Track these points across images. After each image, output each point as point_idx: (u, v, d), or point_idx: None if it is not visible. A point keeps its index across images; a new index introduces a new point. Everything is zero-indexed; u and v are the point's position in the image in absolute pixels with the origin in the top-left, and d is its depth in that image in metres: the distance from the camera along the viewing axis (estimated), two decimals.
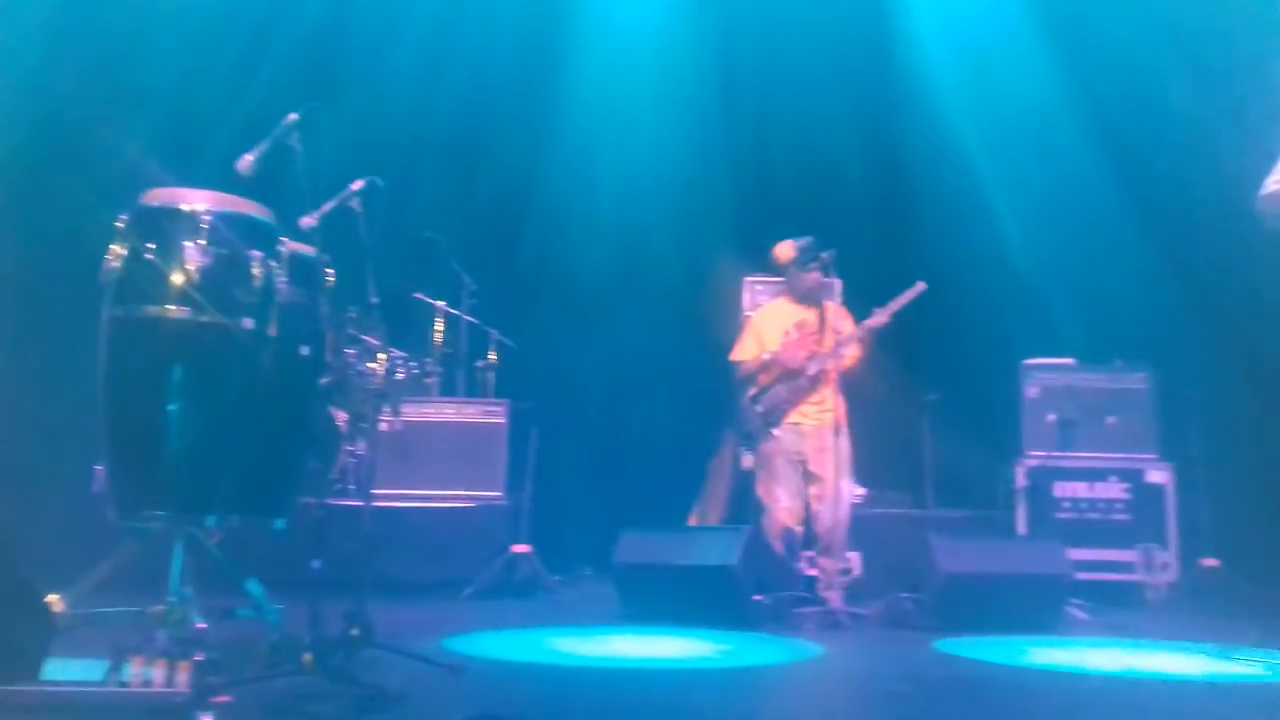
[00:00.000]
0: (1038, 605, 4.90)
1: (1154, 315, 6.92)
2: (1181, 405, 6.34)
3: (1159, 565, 6.19)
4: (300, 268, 3.50)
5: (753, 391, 5.49)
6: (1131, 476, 6.35)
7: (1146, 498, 6.31)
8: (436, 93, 7.63)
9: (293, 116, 3.50)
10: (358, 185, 3.64)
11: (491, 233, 7.69)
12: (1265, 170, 3.25)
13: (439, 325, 6.80)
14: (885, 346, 5.57)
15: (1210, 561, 6.03)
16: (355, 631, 3.23)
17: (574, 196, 7.75)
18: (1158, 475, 6.32)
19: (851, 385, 5.47)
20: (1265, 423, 6.22)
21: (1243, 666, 3.79)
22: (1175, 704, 3.32)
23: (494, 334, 6.97)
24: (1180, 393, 6.37)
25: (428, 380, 6.57)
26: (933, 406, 5.85)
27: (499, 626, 4.60)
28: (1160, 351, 6.65)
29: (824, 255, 5.31)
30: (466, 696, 3.15)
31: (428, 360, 6.62)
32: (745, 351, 5.58)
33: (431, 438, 6.12)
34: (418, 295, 6.74)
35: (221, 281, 3.27)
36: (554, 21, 7.80)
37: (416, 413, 6.13)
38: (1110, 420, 6.49)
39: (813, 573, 5.50)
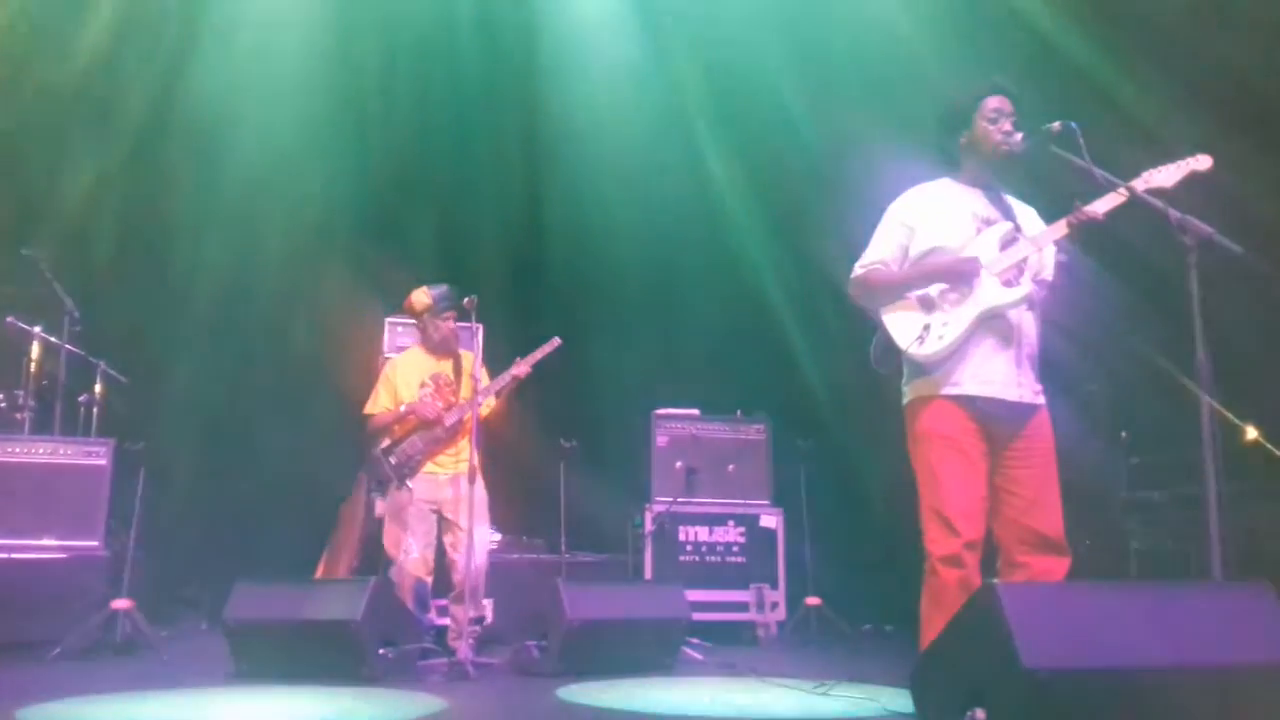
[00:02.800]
0: (658, 648, 5.10)
1: (770, 371, 7.52)
2: (791, 454, 6.87)
3: (769, 604, 6.65)
4: None
5: (386, 443, 5.34)
6: (747, 521, 6.80)
7: (760, 541, 6.77)
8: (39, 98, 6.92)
9: None
10: None
11: (105, 255, 7.01)
12: (863, 244, 3.61)
13: (34, 354, 6.07)
14: (524, 396, 5.63)
15: (813, 600, 6.54)
16: None
17: (202, 223, 7.21)
18: (770, 520, 6.81)
19: (491, 434, 5.47)
20: (859, 472, 6.89)
21: (835, 701, 4.11)
22: None
23: (101, 366, 6.31)
24: (790, 443, 6.92)
25: (18, 415, 5.86)
26: (569, 454, 5.96)
27: (90, 692, 4.13)
28: (774, 404, 7.21)
29: (467, 301, 5.27)
30: None
31: (19, 393, 5.91)
32: (378, 404, 5.44)
33: (18, 480, 5.48)
34: (9, 320, 6.00)
35: None
36: (180, 54, 7.31)
37: (2, 451, 5.48)
38: (730, 468, 6.94)
39: (444, 622, 5.41)
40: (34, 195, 6.83)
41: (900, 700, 3.65)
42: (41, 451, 5.62)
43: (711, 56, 7.71)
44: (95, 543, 5.53)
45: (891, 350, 3.42)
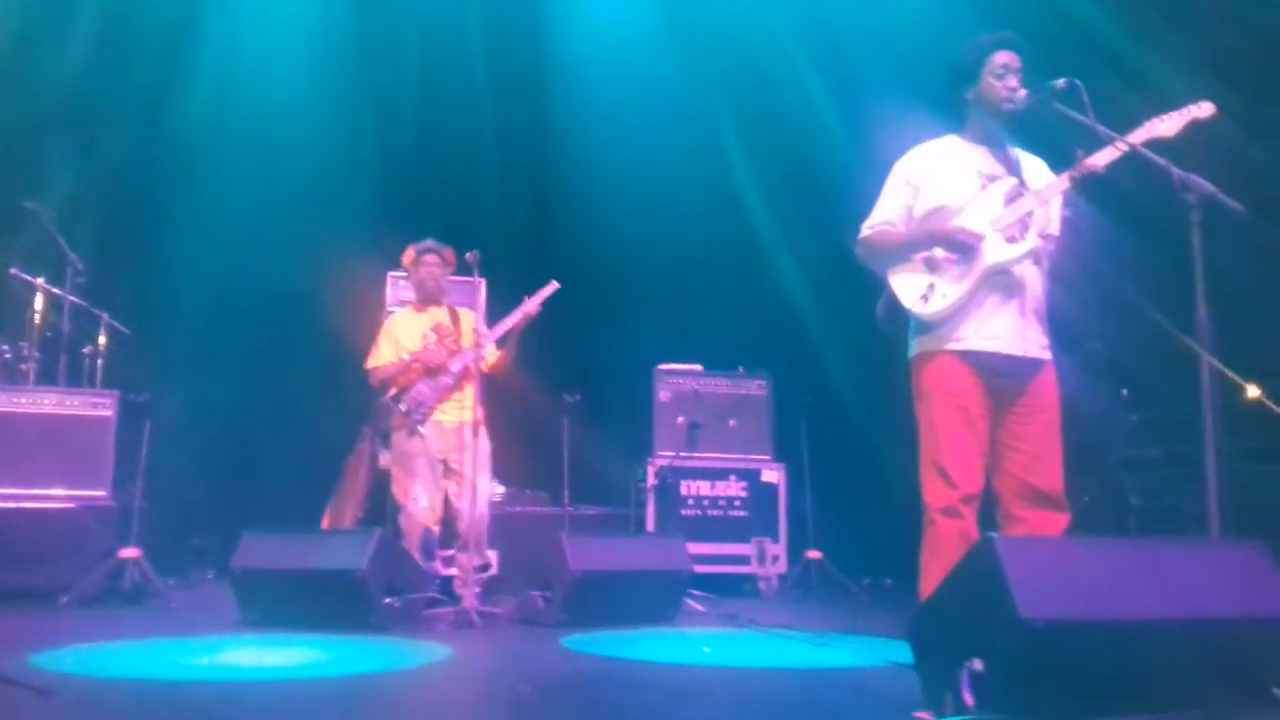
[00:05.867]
0: (660, 599, 5.16)
1: (771, 326, 7.54)
2: (792, 410, 6.92)
3: (770, 558, 6.72)
4: None
5: (393, 391, 5.39)
6: (749, 475, 6.86)
7: (762, 495, 6.84)
8: (46, 52, 6.88)
9: None
10: None
11: (107, 208, 7.00)
12: (868, 205, 3.61)
13: (39, 306, 6.08)
14: (528, 348, 5.65)
15: (814, 553, 6.60)
16: None
17: (203, 176, 7.20)
18: (771, 475, 6.87)
19: (496, 386, 5.51)
20: (860, 427, 6.93)
21: (835, 652, 4.17)
22: (770, 691, 3.58)
23: (104, 318, 6.32)
24: (792, 398, 6.96)
25: (23, 367, 5.88)
26: (572, 408, 5.99)
27: (99, 639, 4.20)
28: (775, 360, 7.24)
29: (469, 255, 5.29)
30: None
31: (23, 345, 5.93)
32: (381, 357, 5.49)
33: (26, 430, 5.54)
34: (14, 271, 6.00)
35: None
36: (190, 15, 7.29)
37: (9, 402, 5.54)
38: (732, 423, 6.98)
39: (450, 571, 5.49)
40: (37, 148, 6.80)
41: (899, 651, 3.71)
42: (47, 402, 5.66)
43: (715, 12, 7.66)
44: (102, 492, 5.59)
45: (897, 309, 3.44)
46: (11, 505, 5.36)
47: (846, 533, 6.72)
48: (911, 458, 3.42)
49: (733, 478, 6.84)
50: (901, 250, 3.46)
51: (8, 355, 5.76)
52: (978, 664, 2.52)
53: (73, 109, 7.02)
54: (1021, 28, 3.53)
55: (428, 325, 5.55)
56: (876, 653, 4.01)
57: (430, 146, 7.78)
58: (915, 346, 3.44)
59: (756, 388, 7.13)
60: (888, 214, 3.52)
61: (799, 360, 7.35)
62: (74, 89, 7.01)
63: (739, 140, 7.82)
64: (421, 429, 5.32)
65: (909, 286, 3.41)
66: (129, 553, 5.38)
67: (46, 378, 6.08)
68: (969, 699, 2.52)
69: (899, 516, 4.14)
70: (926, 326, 3.38)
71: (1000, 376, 3.32)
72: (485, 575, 5.43)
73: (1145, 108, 3.29)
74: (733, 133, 7.85)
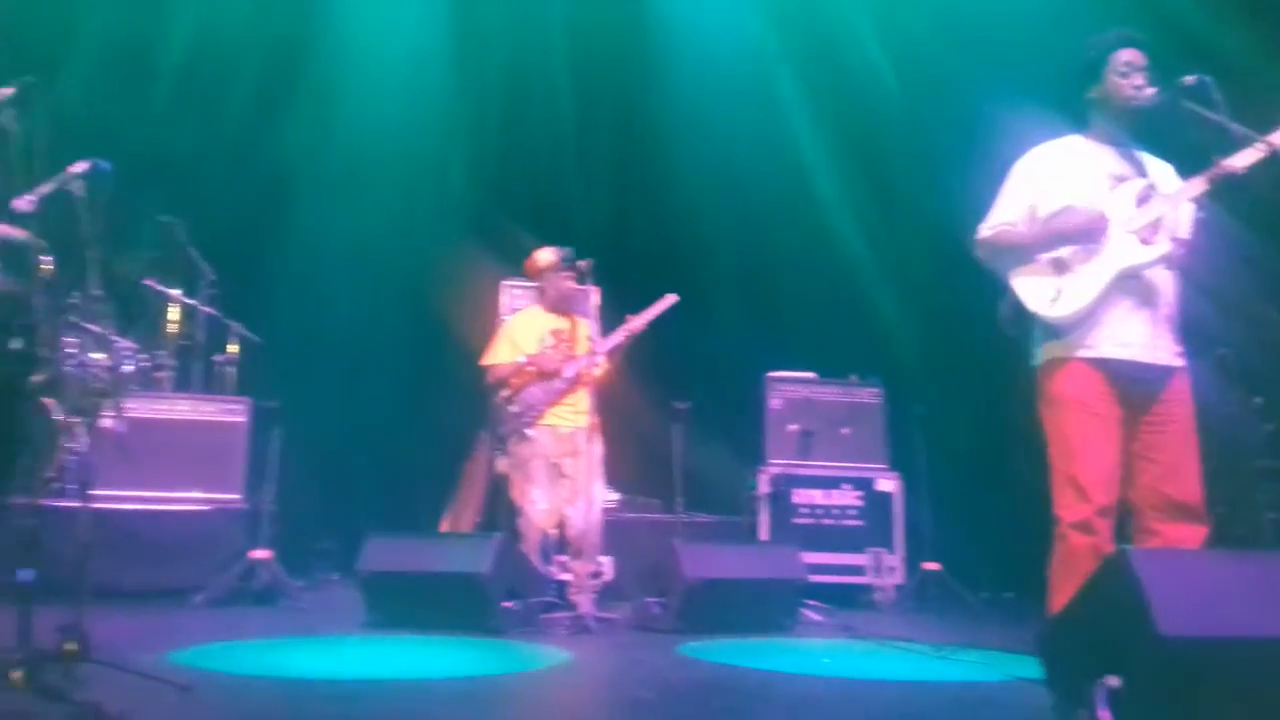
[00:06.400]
0: (775, 608, 5.14)
1: (886, 334, 7.45)
2: (908, 419, 6.81)
3: (886, 568, 6.62)
4: (12, 255, 3.21)
5: (507, 393, 5.48)
6: (863, 485, 6.78)
7: (876, 505, 6.74)
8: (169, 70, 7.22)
9: (5, 92, 3.22)
10: (79, 167, 3.35)
11: (236, 221, 7.28)
12: (987, 203, 3.54)
13: (174, 316, 6.36)
14: (639, 356, 5.69)
15: (932, 565, 6.49)
16: (71, 645, 2.96)
17: (327, 194, 7.44)
18: (886, 484, 6.77)
19: (602, 396, 5.55)
20: (980, 437, 6.79)
21: (958, 666, 4.09)
22: (895, 704, 3.54)
23: (236, 327, 6.58)
24: (907, 407, 6.85)
25: (160, 375, 6.14)
26: (683, 415, 6.01)
27: (234, 638, 4.36)
28: (890, 368, 7.15)
29: (581, 264, 5.37)
30: (194, 716, 2.96)
31: (161, 353, 6.19)
32: (498, 356, 5.57)
33: (163, 436, 5.75)
34: (150, 283, 6.29)
35: None
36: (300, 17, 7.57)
37: (147, 409, 5.75)
38: (845, 431, 6.90)
39: (565, 577, 5.54)
40: (169, 161, 7.09)
41: (1025, 666, 3.63)
42: (183, 409, 5.90)
43: (809, 19, 7.64)
44: (235, 496, 5.80)
45: (1022, 313, 3.34)
46: (149, 508, 5.58)
47: (965, 545, 6.58)
48: (1032, 467, 3.33)
49: (846, 486, 6.76)
50: (1026, 250, 3.36)
51: (147, 363, 6.02)
52: (1114, 681, 2.44)
53: (200, 123, 7.31)
54: (1131, 21, 3.44)
55: (545, 329, 5.61)
56: (1001, 668, 3.92)
57: (543, 158, 7.91)
58: (1043, 354, 3.33)
59: (870, 396, 7.04)
60: (1010, 214, 3.42)
61: (913, 368, 7.25)
62: (198, 103, 7.30)
63: (850, 146, 7.75)
64: (529, 431, 5.40)
65: (1035, 289, 3.32)
66: (260, 554, 5.56)
67: (182, 385, 6.35)
68: (1105, 718, 2.45)
69: (1020, 529, 4.05)
70: (1055, 332, 3.28)
71: (1132, 385, 3.20)
72: (599, 582, 5.47)
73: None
74: (843, 139, 7.79)
